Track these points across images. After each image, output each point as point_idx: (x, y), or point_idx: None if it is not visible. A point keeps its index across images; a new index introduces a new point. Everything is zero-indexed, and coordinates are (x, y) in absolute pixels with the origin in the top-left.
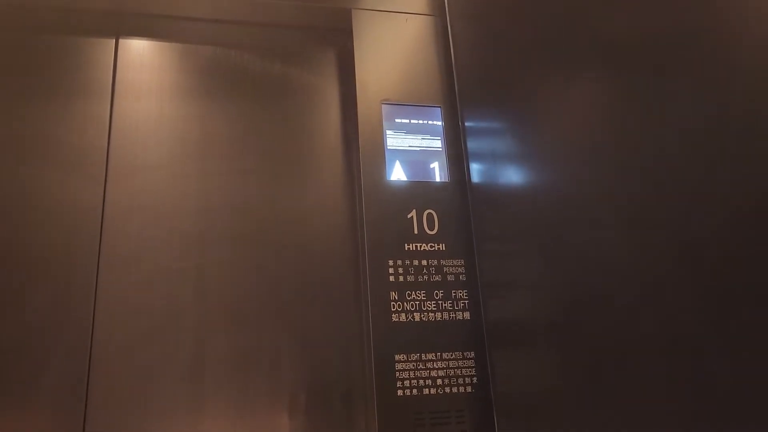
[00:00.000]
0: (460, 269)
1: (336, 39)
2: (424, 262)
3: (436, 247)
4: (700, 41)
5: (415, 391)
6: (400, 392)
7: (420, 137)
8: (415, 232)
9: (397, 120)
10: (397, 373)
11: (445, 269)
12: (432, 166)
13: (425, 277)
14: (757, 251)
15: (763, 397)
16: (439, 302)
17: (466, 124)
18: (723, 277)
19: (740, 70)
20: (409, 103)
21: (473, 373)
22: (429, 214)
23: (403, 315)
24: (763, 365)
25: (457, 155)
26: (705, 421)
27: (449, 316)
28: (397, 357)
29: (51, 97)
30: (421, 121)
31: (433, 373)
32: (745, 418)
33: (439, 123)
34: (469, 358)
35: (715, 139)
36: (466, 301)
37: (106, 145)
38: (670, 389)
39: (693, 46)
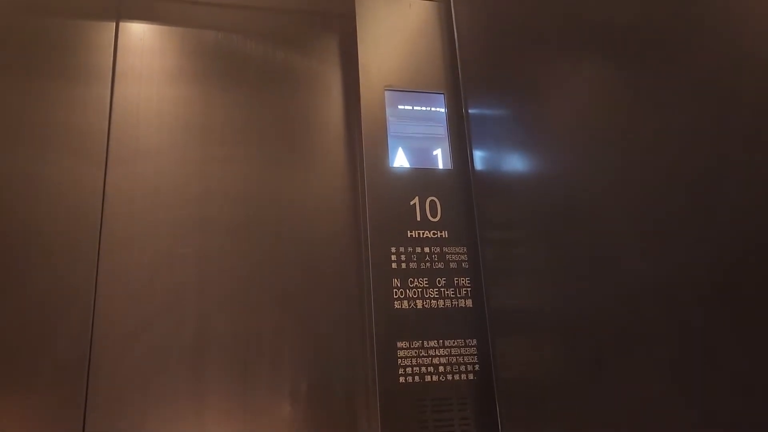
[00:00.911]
0: (462, 257)
1: (339, 24)
2: (427, 250)
3: (439, 234)
4: (707, 31)
5: (417, 378)
6: (402, 379)
7: (423, 124)
8: (418, 219)
9: (400, 106)
10: (399, 360)
11: (447, 256)
12: (435, 153)
13: (428, 264)
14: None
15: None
16: (442, 289)
17: (470, 111)
18: (733, 268)
19: (747, 61)
20: (412, 89)
21: (475, 360)
22: (432, 201)
23: (405, 302)
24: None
25: (460, 142)
26: (710, 413)
27: (452, 304)
28: (399, 344)
29: (50, 79)
30: (424, 108)
31: (435, 361)
32: (752, 415)
33: (443, 110)
34: (472, 346)
35: (723, 129)
36: (469, 289)
37: (107, 128)
38: (674, 380)
39: (700, 35)
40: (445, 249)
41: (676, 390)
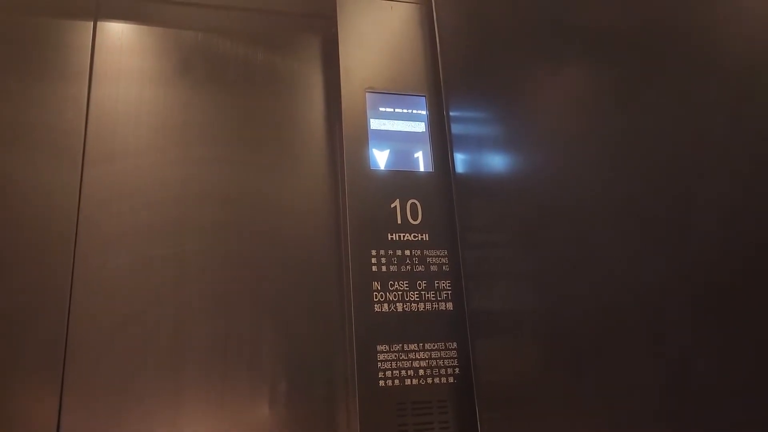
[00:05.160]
0: (443, 259)
1: (320, 26)
2: (407, 252)
3: (420, 237)
4: (689, 33)
5: (397, 381)
6: (381, 383)
7: (404, 126)
8: (399, 221)
9: (381, 109)
10: (379, 364)
11: (428, 259)
12: (416, 155)
13: (408, 267)
14: (748, 247)
15: (746, 397)
16: (422, 292)
17: (451, 113)
18: (712, 272)
19: (729, 62)
20: (393, 91)
21: (455, 363)
22: (413, 203)
23: (385, 305)
24: (747, 366)
25: (441, 145)
26: (685, 417)
27: (432, 307)
28: (379, 347)
29: (27, 79)
30: (405, 110)
31: (416, 364)
32: (726, 417)
33: (424, 112)
34: (452, 349)
35: (705, 129)
36: (449, 292)
37: (84, 129)
38: (651, 382)
39: (683, 37)
40: (425, 252)
41: (654, 392)
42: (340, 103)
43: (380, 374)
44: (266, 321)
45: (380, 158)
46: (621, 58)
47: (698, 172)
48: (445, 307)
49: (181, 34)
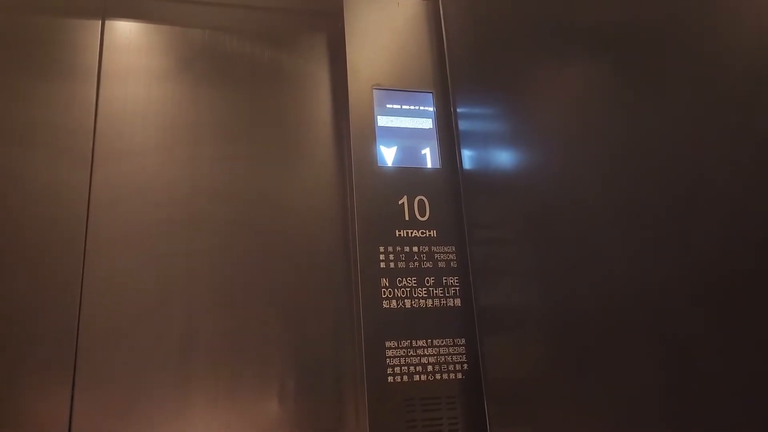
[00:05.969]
0: (451, 256)
1: (327, 23)
2: (415, 249)
3: (427, 233)
4: (694, 28)
5: (405, 377)
6: (390, 379)
7: (411, 123)
8: (406, 218)
9: (388, 105)
10: (388, 360)
11: (436, 256)
12: (423, 152)
13: (416, 263)
14: (748, 247)
15: (746, 397)
16: (430, 289)
17: (458, 109)
18: (718, 270)
19: (735, 58)
20: (400, 88)
21: (464, 359)
22: (420, 200)
23: (393, 301)
24: (747, 365)
25: (448, 141)
26: (690, 415)
27: (440, 303)
28: (387, 344)
29: (35, 78)
30: (412, 107)
31: (424, 360)
32: (726, 417)
33: (431, 108)
34: (460, 345)
35: (710, 125)
36: (457, 288)
37: (93, 128)
38: (657, 378)
39: (688, 33)
40: (433, 248)
41: (658, 388)
42: (347, 100)
43: (389, 370)
44: (275, 318)
45: (387, 155)
46: (629, 53)
47: (706, 173)
48: (453, 303)
49: (188, 32)
